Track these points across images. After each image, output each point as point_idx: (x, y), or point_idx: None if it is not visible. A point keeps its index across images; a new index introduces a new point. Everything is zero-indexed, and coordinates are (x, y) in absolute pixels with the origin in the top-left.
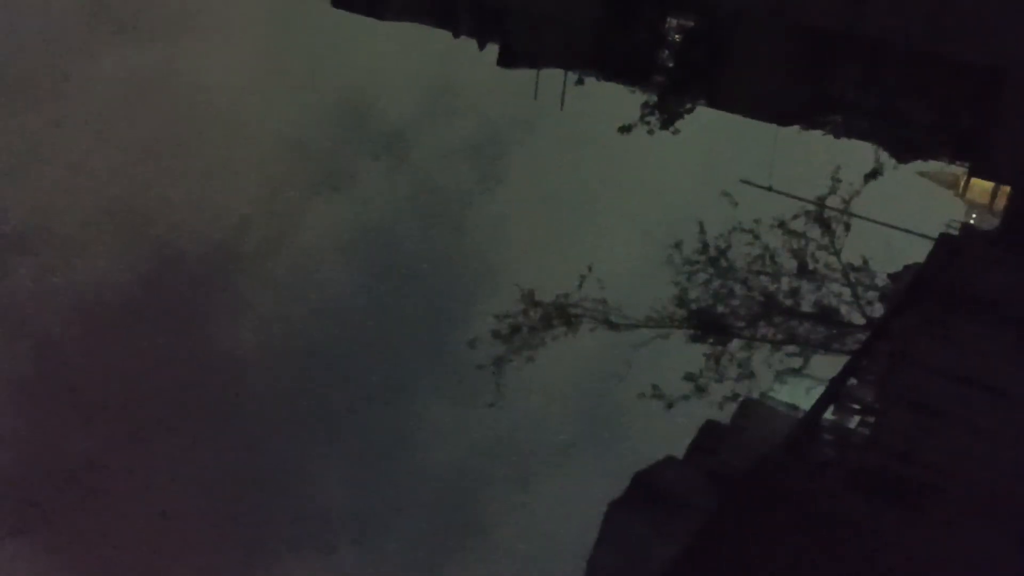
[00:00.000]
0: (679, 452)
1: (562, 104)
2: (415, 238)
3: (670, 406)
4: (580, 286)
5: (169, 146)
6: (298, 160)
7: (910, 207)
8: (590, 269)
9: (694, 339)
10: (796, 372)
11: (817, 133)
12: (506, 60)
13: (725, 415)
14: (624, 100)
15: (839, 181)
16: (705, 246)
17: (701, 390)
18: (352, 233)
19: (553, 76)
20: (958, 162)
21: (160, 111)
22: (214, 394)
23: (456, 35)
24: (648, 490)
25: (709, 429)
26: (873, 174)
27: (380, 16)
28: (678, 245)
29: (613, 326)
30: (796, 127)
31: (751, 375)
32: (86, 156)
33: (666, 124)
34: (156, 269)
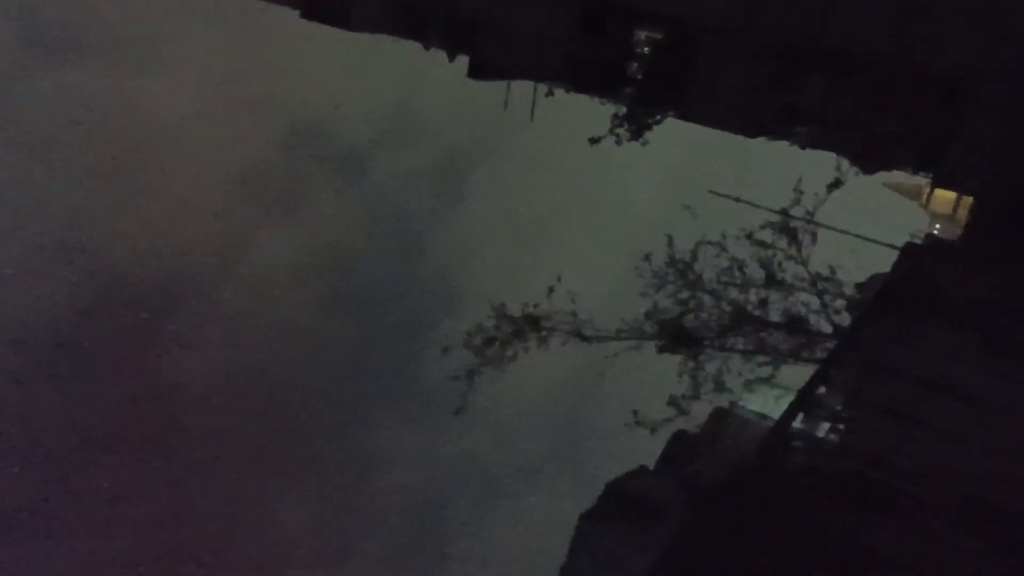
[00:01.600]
0: (649, 463)
1: (532, 115)
2: (373, 261)
3: (653, 431)
4: (549, 295)
5: (112, 171)
6: (248, 182)
7: (876, 217)
8: (559, 279)
9: (662, 350)
10: (765, 381)
11: (784, 144)
12: (476, 72)
13: (694, 424)
14: (593, 112)
15: (802, 193)
16: (673, 259)
17: (684, 413)
18: (306, 257)
19: (522, 89)
20: (922, 173)
21: (103, 135)
22: (163, 426)
23: (426, 47)
24: (621, 500)
25: (679, 439)
26: (835, 184)
27: (349, 27)
28: (647, 257)
29: (585, 339)
30: (763, 138)
31: (724, 388)
32: (23, 182)
33: (636, 135)
34: (99, 298)
